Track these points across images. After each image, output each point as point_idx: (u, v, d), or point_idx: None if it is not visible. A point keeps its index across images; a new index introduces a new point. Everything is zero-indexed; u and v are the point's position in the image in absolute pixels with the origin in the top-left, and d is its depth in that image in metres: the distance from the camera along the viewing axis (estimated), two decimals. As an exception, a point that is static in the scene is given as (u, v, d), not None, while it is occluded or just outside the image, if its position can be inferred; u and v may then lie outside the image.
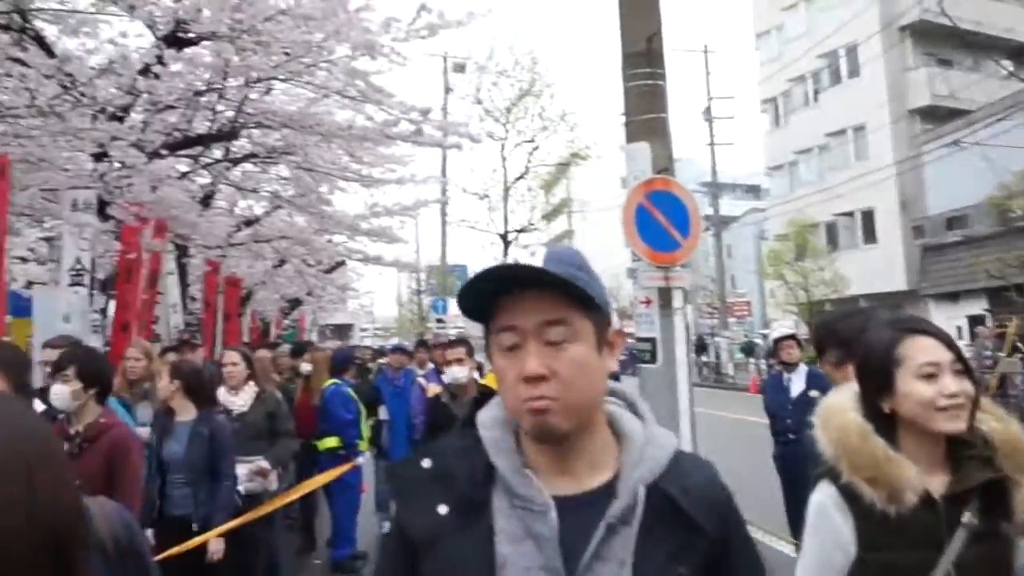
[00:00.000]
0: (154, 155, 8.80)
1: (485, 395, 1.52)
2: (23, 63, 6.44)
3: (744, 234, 45.82)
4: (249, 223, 12.61)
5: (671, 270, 5.54)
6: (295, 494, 5.42)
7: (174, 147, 8.81)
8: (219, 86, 8.09)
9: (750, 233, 45.40)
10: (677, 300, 5.56)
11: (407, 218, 13.72)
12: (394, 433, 7.14)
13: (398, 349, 9.09)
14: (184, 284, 12.66)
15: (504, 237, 11.59)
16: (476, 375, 5.87)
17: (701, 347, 34.17)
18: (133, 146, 7.54)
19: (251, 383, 4.96)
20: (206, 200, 12.46)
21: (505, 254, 11.89)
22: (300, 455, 5.80)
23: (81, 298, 6.69)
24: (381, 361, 10.91)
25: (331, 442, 6.24)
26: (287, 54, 7.20)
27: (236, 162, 11.72)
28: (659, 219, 5.49)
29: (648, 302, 5.71)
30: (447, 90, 18.46)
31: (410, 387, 6.98)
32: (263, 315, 22.99)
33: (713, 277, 34.77)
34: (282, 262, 15.81)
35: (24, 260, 11.94)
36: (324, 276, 19.61)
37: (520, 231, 11.67)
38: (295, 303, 24.89)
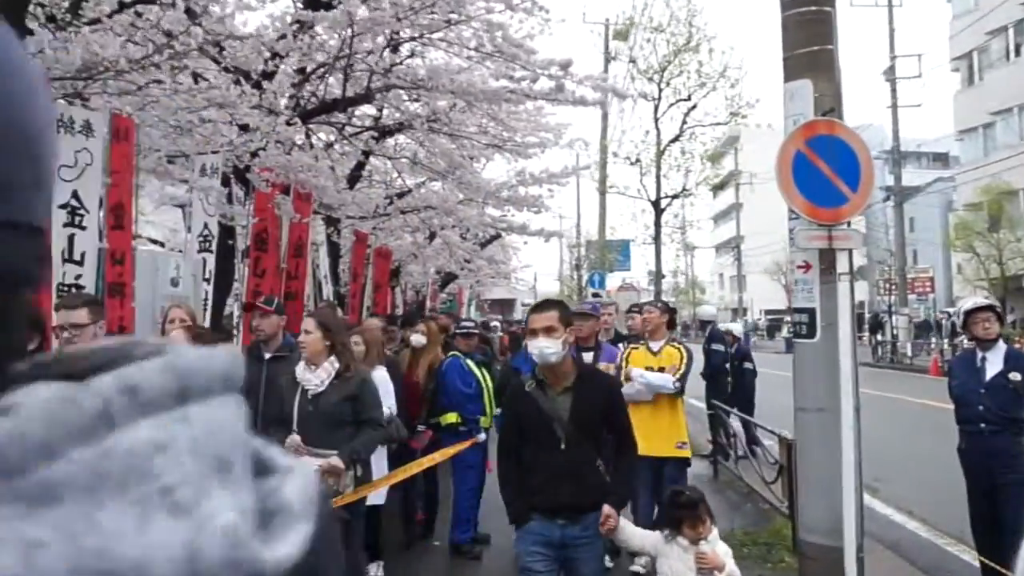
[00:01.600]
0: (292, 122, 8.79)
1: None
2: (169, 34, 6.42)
3: (928, 205, 42.15)
4: (400, 195, 12.56)
5: (836, 228, 4.71)
6: (402, 474, 5.01)
7: (309, 114, 8.74)
8: (349, 52, 7.90)
9: (935, 203, 41.80)
10: (842, 264, 4.73)
11: (555, 187, 13.22)
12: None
13: (582, 313, 7.82)
14: (336, 256, 12.79)
15: (656, 204, 10.84)
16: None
17: (877, 325, 31.76)
18: (271, 113, 7.48)
19: (332, 358, 4.08)
20: (356, 172, 12.54)
21: (657, 222, 11.17)
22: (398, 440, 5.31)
23: (191, 262, 6.66)
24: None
25: (451, 418, 5.84)
26: (414, 9, 6.81)
27: (383, 133, 11.68)
28: (822, 168, 4.67)
29: (806, 267, 4.91)
30: (608, 58, 17.65)
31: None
32: (417, 288, 23.29)
33: (892, 251, 32.08)
34: (432, 235, 15.79)
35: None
36: (475, 250, 19.53)
37: (674, 197, 10.86)
38: (450, 276, 25.07)
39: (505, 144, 10.36)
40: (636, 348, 5.67)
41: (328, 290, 12.15)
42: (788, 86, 4.93)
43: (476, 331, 6.76)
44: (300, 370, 4.10)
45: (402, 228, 14.06)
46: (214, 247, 7.21)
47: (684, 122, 10.66)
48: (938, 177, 43.81)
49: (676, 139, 10.79)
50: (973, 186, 30.03)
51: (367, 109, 11.33)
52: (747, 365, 10.28)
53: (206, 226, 7.19)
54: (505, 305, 48.24)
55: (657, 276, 10.85)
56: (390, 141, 12.55)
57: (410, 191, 12.77)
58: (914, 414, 14.48)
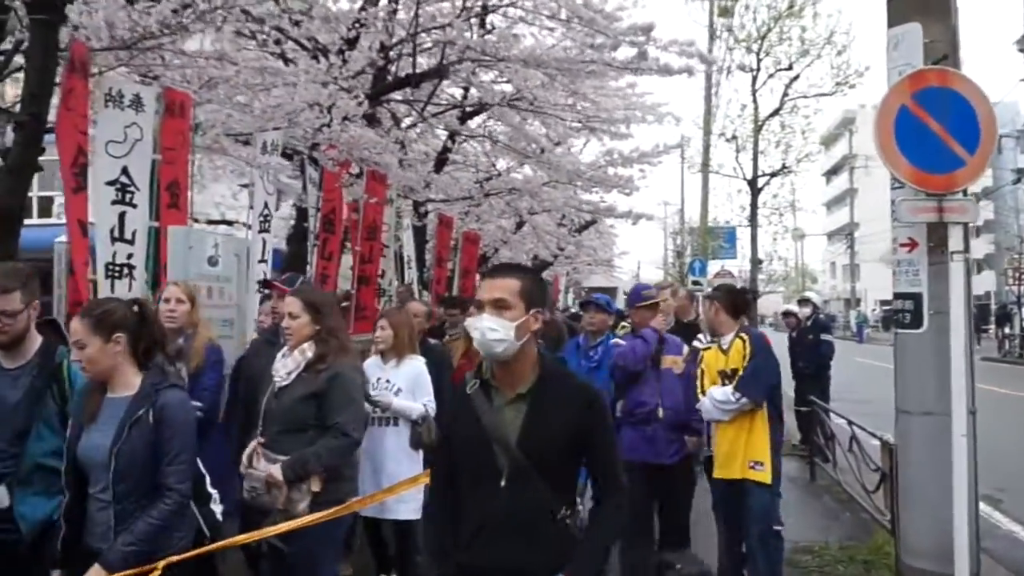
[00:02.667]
0: (368, 99, 8.50)
1: None
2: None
3: (1066, 188, 38.80)
4: (488, 179, 12.16)
5: (948, 199, 3.98)
6: (408, 485, 3.96)
7: (381, 91, 8.43)
8: (416, 24, 7.56)
9: (1073, 187, 38.47)
10: (955, 241, 3.99)
11: (647, 167, 12.53)
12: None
13: (591, 303, 5.55)
14: (422, 240, 12.51)
15: (752, 183, 10.01)
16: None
17: (1004, 317, 29.45)
18: (343, 90, 7.20)
19: (307, 344, 3.32)
20: (442, 155, 12.22)
21: (753, 203, 10.31)
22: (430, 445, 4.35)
23: (235, 241, 6.40)
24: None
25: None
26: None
27: (466, 114, 11.32)
28: (932, 127, 3.94)
29: (911, 245, 4.20)
30: (712, 34, 16.61)
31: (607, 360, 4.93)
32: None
33: (1023, 237, 29.64)
34: (521, 223, 15.33)
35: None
36: (569, 236, 18.96)
37: (772, 175, 9.99)
38: (544, 264, 24.60)
39: (589, 121, 9.78)
40: (709, 348, 4.55)
41: (412, 275, 11.91)
42: (893, 32, 4.22)
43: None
44: (278, 357, 3.48)
45: (489, 213, 13.69)
46: (271, 227, 6.97)
47: (785, 94, 9.83)
48: (1077, 158, 40.34)
49: (776, 113, 9.96)
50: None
51: (454, 91, 11.00)
52: (825, 337, 9.39)
53: (266, 205, 6.95)
54: (608, 294, 47.37)
55: (753, 261, 10.06)
56: (475, 122, 12.19)
57: (499, 174, 12.37)
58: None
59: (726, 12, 12.77)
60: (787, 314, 10.36)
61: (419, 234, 12.45)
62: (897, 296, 4.31)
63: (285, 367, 3.37)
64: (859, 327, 42.44)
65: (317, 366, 3.31)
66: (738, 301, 4.41)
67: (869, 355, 24.95)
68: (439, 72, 8.07)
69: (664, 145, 11.59)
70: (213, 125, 6.65)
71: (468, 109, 11.41)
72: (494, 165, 12.79)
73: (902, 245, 4.23)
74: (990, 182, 41.84)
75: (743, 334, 4.32)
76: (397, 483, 3.90)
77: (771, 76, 10.09)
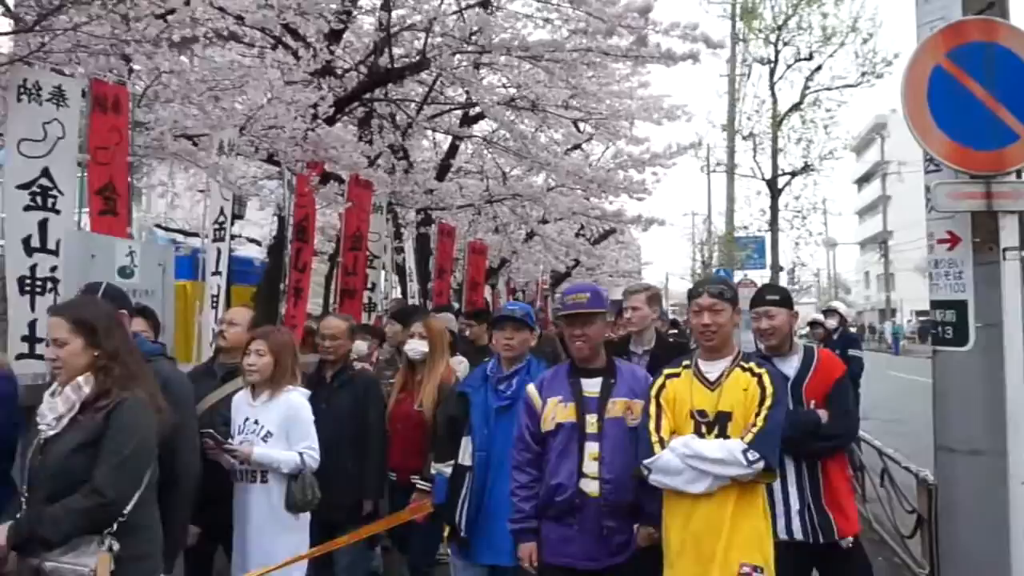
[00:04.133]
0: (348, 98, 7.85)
1: None
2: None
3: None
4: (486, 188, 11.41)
5: (998, 181, 3.17)
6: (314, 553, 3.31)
7: (362, 90, 7.75)
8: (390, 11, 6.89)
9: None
10: (1009, 234, 3.17)
11: (659, 169, 11.74)
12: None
13: (505, 318, 3.61)
14: (426, 252, 11.82)
15: (772, 184, 9.19)
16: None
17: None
18: (316, 85, 6.56)
19: (84, 377, 2.47)
20: (445, 162, 11.55)
21: (774, 206, 9.47)
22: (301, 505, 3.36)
23: (158, 249, 5.75)
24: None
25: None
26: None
27: (468, 117, 10.64)
28: (974, 91, 3.14)
29: (952, 240, 3.37)
30: (736, 40, 15.72)
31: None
32: (520, 287, 22.17)
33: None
34: (531, 234, 14.57)
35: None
36: (582, 246, 18.14)
37: (792, 174, 9.15)
38: (562, 276, 23.82)
39: (591, 118, 9.01)
40: (676, 374, 2.92)
41: (413, 287, 11.24)
42: (923, -22, 3.42)
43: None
44: (45, 398, 2.50)
45: (494, 223, 12.96)
46: (227, 236, 6.30)
47: (806, 87, 9.00)
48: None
49: (796, 107, 9.13)
50: None
51: (454, 95, 10.33)
52: (853, 353, 8.25)
53: (222, 211, 6.28)
54: (628, 305, 46.45)
55: (774, 268, 9.22)
56: (480, 128, 11.51)
57: (504, 180, 11.63)
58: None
59: (750, 14, 11.94)
60: (814, 324, 9.48)
61: (424, 245, 11.78)
62: (935, 305, 3.48)
63: (53, 410, 2.47)
64: (894, 338, 41.05)
65: (97, 404, 2.43)
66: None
67: (905, 368, 23.74)
68: (420, 65, 7.37)
69: (678, 145, 10.82)
70: (165, 124, 5.98)
71: (471, 113, 10.78)
72: (504, 173, 12.08)
73: (940, 242, 3.41)
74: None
75: (749, 363, 2.83)
76: (282, 562, 3.06)
77: (790, 67, 9.27)
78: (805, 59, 9.31)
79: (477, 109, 9.75)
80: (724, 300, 2.85)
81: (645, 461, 2.74)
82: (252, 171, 9.33)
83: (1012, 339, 3.13)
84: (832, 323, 8.75)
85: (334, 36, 7.06)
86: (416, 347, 4.23)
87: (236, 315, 4.20)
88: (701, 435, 2.73)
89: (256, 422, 3.40)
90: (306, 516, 3.40)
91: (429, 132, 11.54)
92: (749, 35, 9.89)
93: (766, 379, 2.76)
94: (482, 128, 11.57)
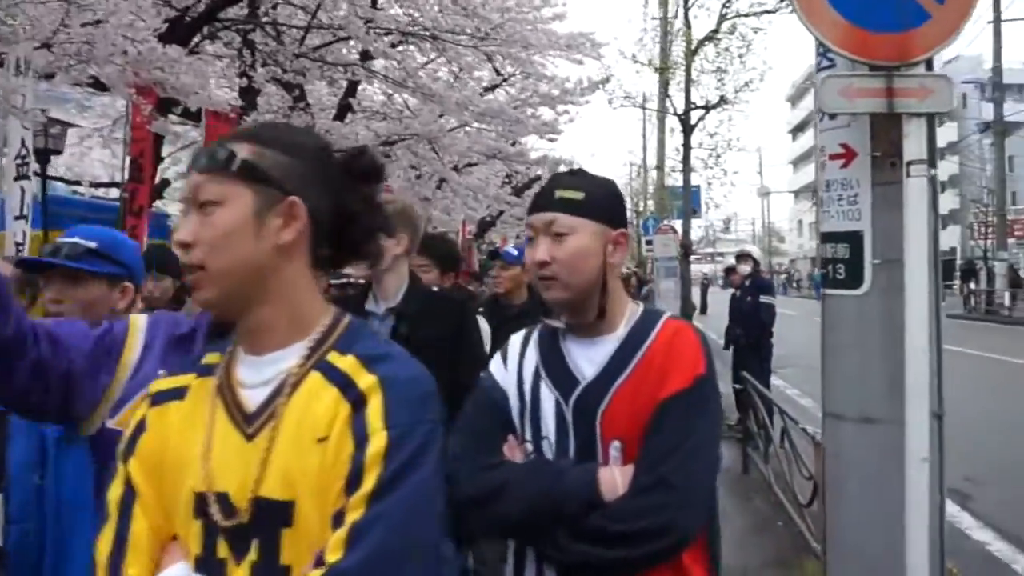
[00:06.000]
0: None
1: None
2: None
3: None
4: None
5: (903, 73, 2.44)
6: None
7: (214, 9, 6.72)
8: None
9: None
10: (914, 145, 2.45)
11: (570, 107, 10.94)
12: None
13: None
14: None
15: (685, 119, 8.47)
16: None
17: (969, 273, 28.58)
18: None
19: None
20: (344, 102, 10.53)
21: (686, 143, 8.77)
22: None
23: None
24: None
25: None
26: None
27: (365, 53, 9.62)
28: (873, -45, 2.39)
29: (847, 155, 2.66)
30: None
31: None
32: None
33: (991, 188, 28.54)
34: (442, 181, 13.65)
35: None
36: (504, 197, 17.29)
37: (706, 108, 8.44)
38: (488, 225, 22.97)
39: (485, 43, 8.11)
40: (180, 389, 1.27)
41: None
42: None
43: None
44: None
45: (412, 170, 12.01)
46: (30, 172, 5.33)
47: (723, 14, 8.26)
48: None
49: (712, 36, 8.40)
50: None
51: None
52: (765, 299, 7.77)
53: (23, 143, 5.29)
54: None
55: (686, 211, 8.56)
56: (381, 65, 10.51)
57: (399, 120, 10.65)
58: (1019, 380, 11.83)
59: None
60: (729, 270, 8.91)
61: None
62: (826, 239, 2.78)
63: None
64: (817, 284, 41.55)
65: None
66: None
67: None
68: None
69: (588, 80, 10.01)
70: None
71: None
72: (400, 111, 11.10)
73: (832, 157, 2.69)
74: (955, 136, 40.90)
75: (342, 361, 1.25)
76: None
77: (706, -9, 8.52)
78: (720, -19, 8.58)
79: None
80: (577, 213, 1.55)
81: None
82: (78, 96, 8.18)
83: (914, 278, 2.45)
84: (745, 268, 8.18)
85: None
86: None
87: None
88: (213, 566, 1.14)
89: None
90: None
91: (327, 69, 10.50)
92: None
93: (374, 407, 1.11)
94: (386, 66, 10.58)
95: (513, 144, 10.49)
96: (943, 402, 2.66)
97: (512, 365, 1.65)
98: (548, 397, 1.57)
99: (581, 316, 1.58)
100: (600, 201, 1.58)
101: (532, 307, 3.42)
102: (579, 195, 1.56)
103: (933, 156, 2.56)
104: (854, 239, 2.64)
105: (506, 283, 4.26)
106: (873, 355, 2.66)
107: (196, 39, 7.35)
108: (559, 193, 1.57)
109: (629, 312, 1.62)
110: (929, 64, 2.52)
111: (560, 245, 1.54)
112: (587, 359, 1.57)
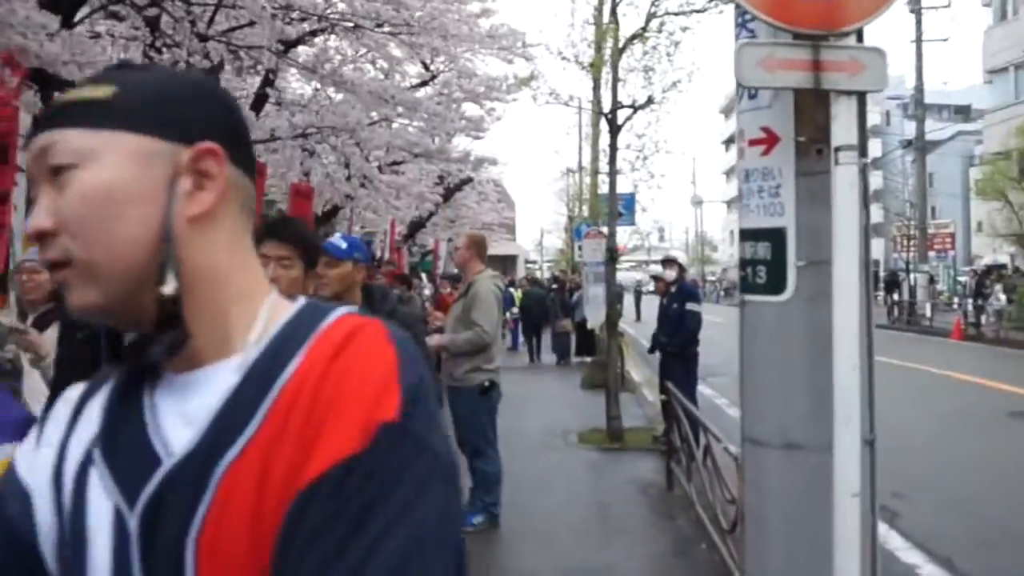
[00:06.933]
0: None
1: None
2: None
3: (950, 155, 39.64)
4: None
5: (832, 44, 2.11)
6: None
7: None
8: None
9: (956, 157, 39.33)
10: (843, 129, 2.12)
11: (498, 104, 10.60)
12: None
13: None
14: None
15: (612, 119, 8.17)
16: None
17: (893, 284, 29.24)
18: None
19: None
20: (261, 92, 9.97)
21: (613, 143, 8.49)
22: None
23: None
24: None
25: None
26: None
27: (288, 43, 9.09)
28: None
29: (769, 140, 2.32)
30: None
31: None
32: (367, 238, 20.77)
33: (912, 202, 29.26)
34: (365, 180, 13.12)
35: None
36: (426, 194, 16.86)
37: (633, 108, 8.17)
38: (419, 225, 22.52)
39: (404, 30, 7.67)
40: None
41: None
42: None
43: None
44: None
45: (317, 161, 11.47)
46: None
47: (651, 12, 8.00)
48: (960, 130, 40.87)
49: (640, 34, 8.13)
50: (1002, 129, 27.02)
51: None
52: (690, 307, 7.47)
53: None
54: (507, 262, 46.02)
55: (612, 211, 8.24)
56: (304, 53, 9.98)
57: (317, 111, 10.12)
58: (941, 390, 11.88)
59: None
60: (655, 278, 8.65)
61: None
62: (745, 237, 2.44)
63: None
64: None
65: None
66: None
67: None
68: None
69: (515, 76, 9.68)
70: None
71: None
72: (321, 104, 10.57)
73: (752, 143, 2.34)
74: (879, 151, 42.09)
75: None
76: None
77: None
78: (649, -22, 8.31)
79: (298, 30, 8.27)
80: (99, 123, 0.79)
81: None
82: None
83: (843, 283, 2.11)
84: (671, 274, 7.90)
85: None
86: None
87: None
88: None
89: None
90: None
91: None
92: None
93: None
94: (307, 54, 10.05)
95: (434, 141, 10.06)
96: (875, 425, 2.33)
97: (52, 443, 0.84)
98: (101, 503, 0.77)
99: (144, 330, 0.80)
100: (148, 96, 0.79)
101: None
102: (105, 92, 0.78)
103: (864, 143, 2.23)
104: (776, 237, 2.30)
105: (334, 283, 3.29)
106: (797, 371, 2.33)
107: (85, 11, 6.75)
108: (72, 96, 0.80)
109: (270, 314, 0.80)
110: (860, 35, 2.19)
111: (65, 193, 0.75)
112: (181, 416, 0.77)
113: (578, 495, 6.27)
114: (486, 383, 4.99)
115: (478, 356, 4.93)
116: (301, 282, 2.29)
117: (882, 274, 35.22)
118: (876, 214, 45.06)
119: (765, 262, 2.34)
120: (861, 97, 2.15)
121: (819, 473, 2.23)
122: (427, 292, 13.46)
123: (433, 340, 4.95)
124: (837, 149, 2.11)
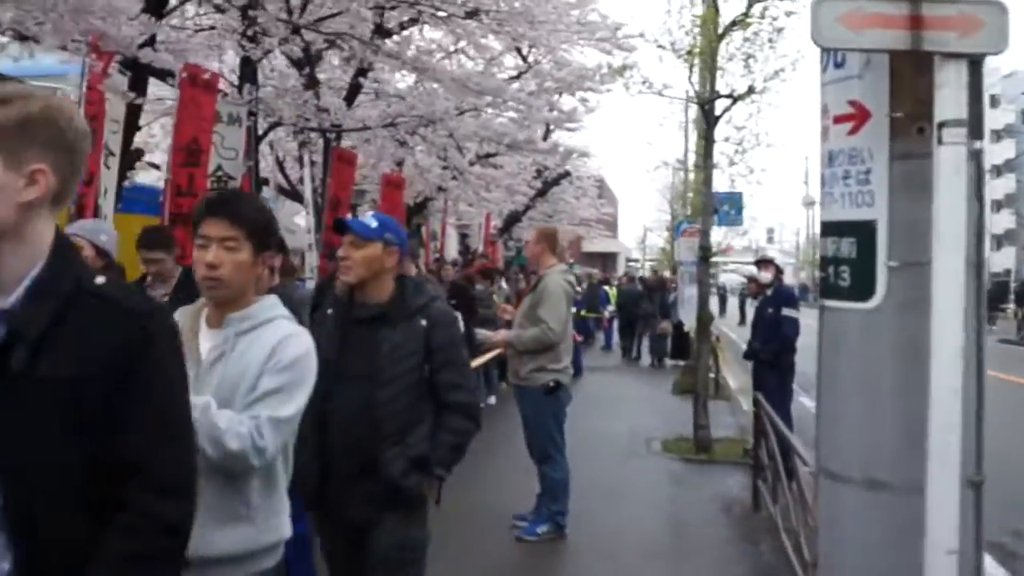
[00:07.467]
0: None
1: None
2: None
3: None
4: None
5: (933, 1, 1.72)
6: None
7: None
8: None
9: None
10: (949, 101, 1.72)
11: (592, 93, 10.25)
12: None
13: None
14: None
15: (709, 108, 7.66)
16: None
17: (1024, 295, 27.18)
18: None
19: None
20: (355, 82, 9.97)
21: (709, 135, 7.93)
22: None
23: None
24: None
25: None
26: None
27: (383, 28, 9.04)
28: None
29: (859, 117, 1.93)
30: None
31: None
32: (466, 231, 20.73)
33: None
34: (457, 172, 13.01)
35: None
36: (524, 188, 16.64)
37: (732, 98, 7.64)
38: (516, 218, 22.39)
39: (503, 26, 7.43)
40: None
41: (309, 220, 9.79)
42: None
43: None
44: None
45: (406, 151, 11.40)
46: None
47: (752, -3, 7.47)
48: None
49: (742, 19, 7.61)
50: None
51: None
52: (787, 312, 6.82)
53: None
54: (606, 259, 45.54)
55: (707, 208, 7.80)
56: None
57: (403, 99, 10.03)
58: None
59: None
60: (749, 279, 8.15)
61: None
62: (826, 231, 2.06)
63: None
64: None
65: None
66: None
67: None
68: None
69: (608, 66, 9.30)
70: None
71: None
72: (401, 94, 10.49)
73: (838, 120, 1.96)
74: (1012, 152, 39.24)
75: None
76: None
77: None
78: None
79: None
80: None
81: None
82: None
83: (946, 289, 1.72)
84: (767, 276, 7.37)
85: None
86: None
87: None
88: None
89: None
90: None
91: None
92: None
93: None
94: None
95: (526, 132, 9.81)
96: (982, 464, 1.91)
97: None
98: None
99: None
100: None
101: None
102: None
103: (979, 119, 1.82)
104: (863, 231, 1.91)
105: (358, 267, 2.61)
106: (884, 393, 1.94)
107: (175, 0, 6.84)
108: None
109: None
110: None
111: None
112: None
113: (653, 509, 5.90)
114: (551, 383, 4.71)
115: (543, 355, 4.66)
116: (250, 267, 1.91)
117: (1012, 284, 32.88)
118: (1008, 220, 42.14)
119: (849, 261, 1.95)
120: (974, 63, 1.74)
121: (908, 520, 1.84)
122: (505, 287, 12.99)
123: (498, 336, 4.71)
124: (941, 125, 1.71)
